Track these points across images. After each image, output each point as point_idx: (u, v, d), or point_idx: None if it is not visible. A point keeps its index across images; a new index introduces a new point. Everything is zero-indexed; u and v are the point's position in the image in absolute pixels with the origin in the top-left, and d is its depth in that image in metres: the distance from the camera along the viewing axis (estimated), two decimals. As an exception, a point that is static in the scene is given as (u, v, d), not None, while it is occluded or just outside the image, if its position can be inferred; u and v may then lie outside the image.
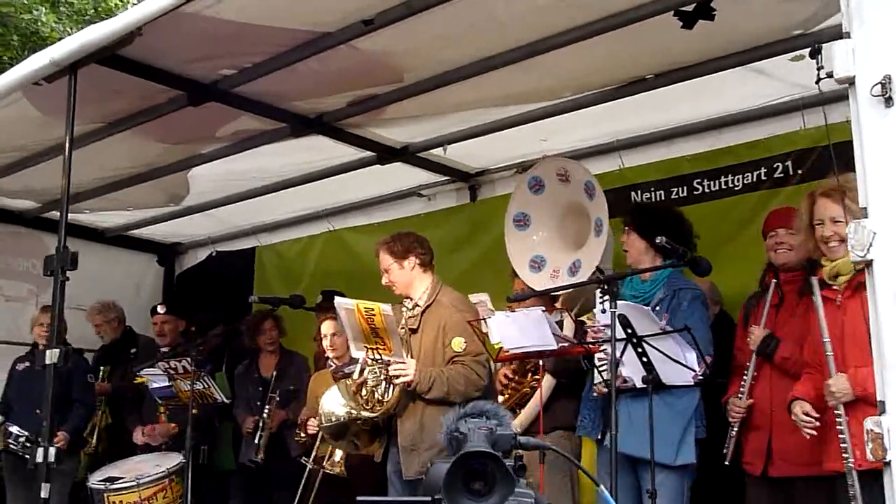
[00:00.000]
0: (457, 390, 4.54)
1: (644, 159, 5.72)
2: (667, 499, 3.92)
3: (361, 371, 4.75)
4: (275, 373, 6.34)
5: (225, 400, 5.45)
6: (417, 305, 4.85)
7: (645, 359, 3.51)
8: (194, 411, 5.24)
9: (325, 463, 5.29)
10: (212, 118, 5.38)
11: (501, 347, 4.20)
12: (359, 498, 1.52)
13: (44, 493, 4.03)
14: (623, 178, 5.74)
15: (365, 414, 4.73)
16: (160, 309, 6.76)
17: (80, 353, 6.60)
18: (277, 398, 6.07)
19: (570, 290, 4.64)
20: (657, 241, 3.79)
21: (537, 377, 4.85)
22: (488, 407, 1.61)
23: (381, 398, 4.70)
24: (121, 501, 5.52)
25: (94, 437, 6.75)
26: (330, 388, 5.36)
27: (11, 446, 5.95)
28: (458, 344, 4.63)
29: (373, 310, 4.53)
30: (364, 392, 4.75)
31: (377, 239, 6.86)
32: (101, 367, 6.93)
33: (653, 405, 3.67)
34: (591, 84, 5.03)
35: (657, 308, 4.12)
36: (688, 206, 5.39)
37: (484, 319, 4.43)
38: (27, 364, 6.45)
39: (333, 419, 4.88)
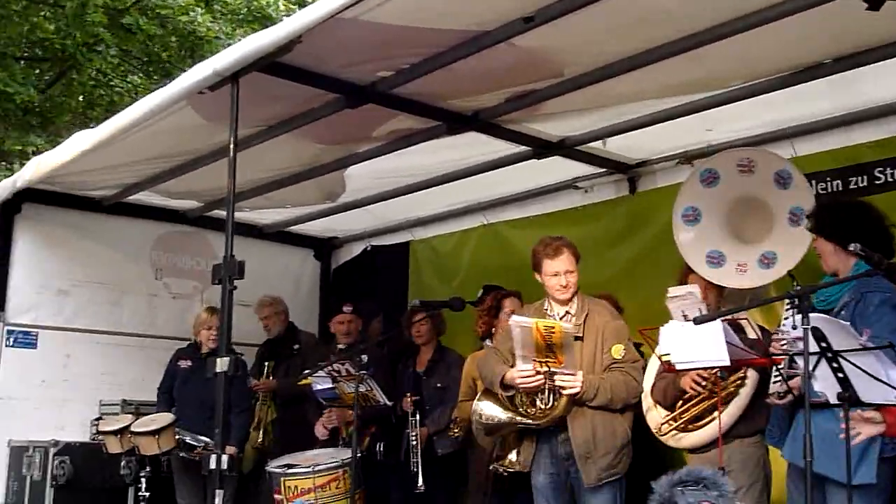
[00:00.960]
0: (620, 397, 4.66)
1: (819, 147, 5.36)
2: None
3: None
4: (426, 368, 6.34)
5: (387, 402, 5.44)
6: (569, 313, 4.81)
7: (841, 374, 3.25)
8: (359, 412, 5.26)
9: (504, 462, 5.20)
10: (368, 119, 5.36)
11: (668, 361, 4.01)
12: None
13: (217, 501, 4.10)
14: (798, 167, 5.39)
15: (527, 421, 4.70)
16: (346, 308, 6.80)
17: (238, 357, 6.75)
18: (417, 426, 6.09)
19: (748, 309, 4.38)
20: (850, 248, 3.51)
21: (741, 375, 4.59)
22: (706, 474, 1.47)
23: (542, 406, 4.67)
24: (296, 486, 5.63)
25: (261, 431, 6.89)
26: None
27: (183, 455, 6.13)
28: (618, 351, 4.71)
29: (553, 328, 4.51)
30: (519, 399, 4.76)
31: (533, 232, 6.84)
32: (266, 363, 7.05)
33: (842, 420, 3.41)
34: (761, 72, 4.74)
35: (842, 312, 3.83)
36: (868, 197, 5.04)
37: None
38: (190, 363, 6.64)
39: (494, 420, 4.85)
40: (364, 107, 5.05)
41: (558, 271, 4.77)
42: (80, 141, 5.85)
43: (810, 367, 3.21)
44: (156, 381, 6.91)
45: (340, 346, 6.55)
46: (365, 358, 5.36)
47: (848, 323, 3.39)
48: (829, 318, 3.30)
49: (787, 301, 3.47)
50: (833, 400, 3.38)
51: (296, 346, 7.11)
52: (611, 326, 4.76)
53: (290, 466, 5.82)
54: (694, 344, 3.73)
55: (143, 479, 6.10)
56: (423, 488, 5.93)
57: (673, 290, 4.66)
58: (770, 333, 4.21)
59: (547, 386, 4.62)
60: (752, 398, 4.48)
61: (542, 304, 4.91)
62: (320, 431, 6.36)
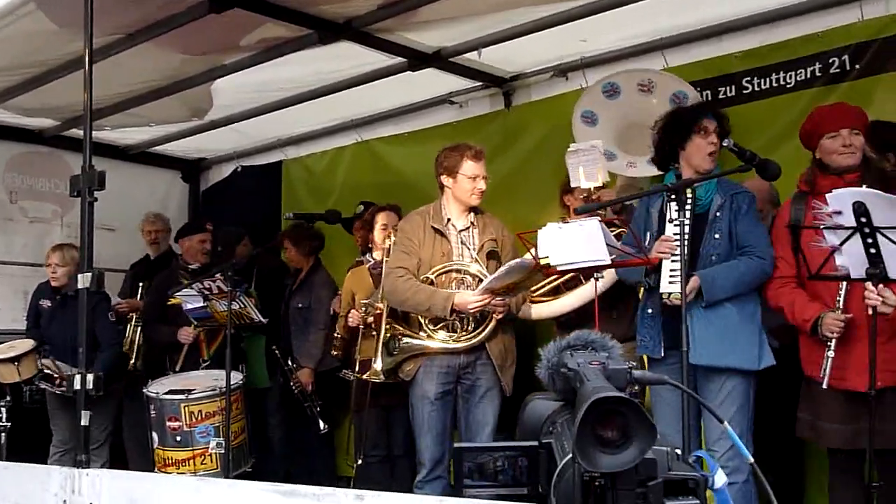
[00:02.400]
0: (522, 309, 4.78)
1: (689, 58, 5.41)
2: (737, 405, 3.82)
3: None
4: (295, 286, 6.28)
5: (262, 320, 5.31)
6: (473, 224, 4.79)
7: (874, 251, 3.25)
8: (231, 331, 5.13)
9: (367, 374, 5.18)
10: (235, 26, 5.13)
11: (548, 263, 4.00)
12: (456, 445, 1.35)
13: (84, 421, 3.91)
14: (667, 79, 5.45)
15: (450, 346, 4.65)
16: (209, 226, 6.58)
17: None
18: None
19: (628, 201, 4.41)
20: (724, 143, 3.57)
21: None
22: (594, 337, 1.42)
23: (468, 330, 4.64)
24: (199, 411, 5.51)
25: (134, 353, 6.64)
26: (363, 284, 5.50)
27: (45, 387, 5.88)
28: None
29: None
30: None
31: (408, 149, 6.76)
32: (141, 283, 6.77)
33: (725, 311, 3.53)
34: (635, -23, 4.74)
35: (718, 214, 3.95)
36: (736, 107, 5.14)
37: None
38: (50, 303, 6.27)
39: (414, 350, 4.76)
40: (230, 12, 4.81)
41: (478, 175, 4.70)
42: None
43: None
44: (15, 309, 6.65)
45: (192, 267, 6.33)
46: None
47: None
48: (880, 193, 3.31)
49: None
50: (856, 275, 3.40)
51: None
52: (509, 238, 4.77)
53: (173, 391, 5.62)
54: (572, 245, 3.73)
55: (2, 409, 5.83)
56: (326, 428, 5.92)
57: (574, 145, 4.69)
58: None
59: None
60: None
61: (440, 212, 4.79)
62: (186, 334, 6.10)
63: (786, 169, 3.97)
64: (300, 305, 6.21)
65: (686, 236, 3.59)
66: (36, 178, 7.40)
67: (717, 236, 3.91)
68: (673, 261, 3.81)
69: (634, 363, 1.35)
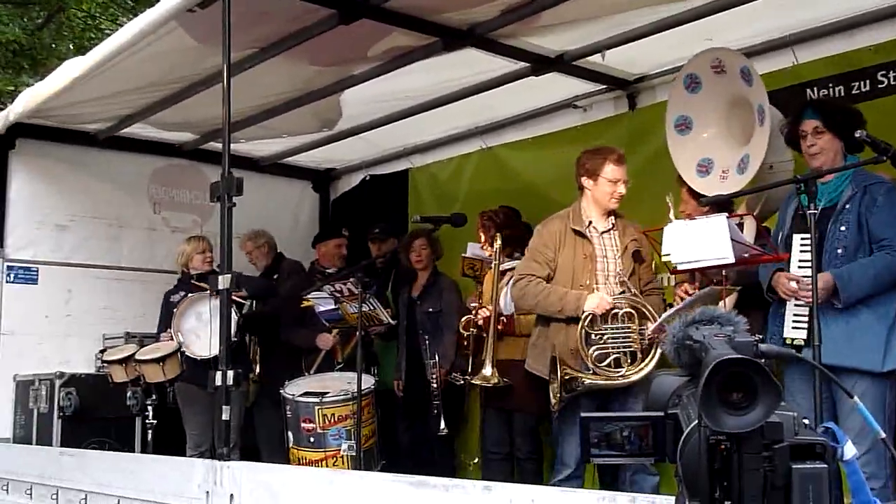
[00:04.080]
0: None
1: (820, 53, 5.27)
2: (869, 409, 3.65)
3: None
4: (420, 293, 6.33)
5: (391, 321, 5.45)
6: (614, 226, 4.81)
7: None
8: (362, 333, 5.26)
9: (475, 378, 5.25)
10: (363, 37, 5.30)
11: (669, 261, 3.96)
12: (583, 415, 1.39)
13: (225, 416, 4.11)
14: (797, 76, 5.31)
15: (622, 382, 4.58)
16: (345, 231, 6.80)
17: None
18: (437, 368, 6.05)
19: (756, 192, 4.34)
20: (857, 134, 3.49)
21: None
22: (720, 312, 1.44)
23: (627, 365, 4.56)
24: (332, 414, 5.69)
25: (257, 364, 6.89)
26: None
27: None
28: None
29: None
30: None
31: (532, 154, 6.80)
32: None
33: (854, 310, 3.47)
34: (762, -26, 4.66)
35: (847, 206, 3.84)
36: (871, 101, 4.99)
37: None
38: (181, 294, 6.51)
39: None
40: (358, 23, 4.97)
41: (619, 179, 4.74)
42: (71, 68, 5.77)
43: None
44: (157, 314, 6.91)
45: (329, 271, 6.53)
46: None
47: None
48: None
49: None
50: None
51: (274, 277, 7.05)
52: (646, 242, 4.77)
53: (308, 394, 5.81)
54: (696, 242, 3.68)
55: (149, 408, 6.13)
56: (445, 431, 5.95)
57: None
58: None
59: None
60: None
61: (580, 214, 4.80)
62: (325, 341, 6.31)
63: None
64: (431, 310, 6.29)
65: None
66: (177, 190, 7.77)
67: (843, 228, 3.80)
68: (797, 304, 3.74)
69: (760, 336, 1.36)
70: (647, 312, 4.52)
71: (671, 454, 1.35)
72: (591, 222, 4.78)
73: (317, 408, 5.68)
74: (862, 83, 5.09)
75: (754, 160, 4.72)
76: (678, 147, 5.01)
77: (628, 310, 4.55)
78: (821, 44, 5.28)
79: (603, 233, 4.76)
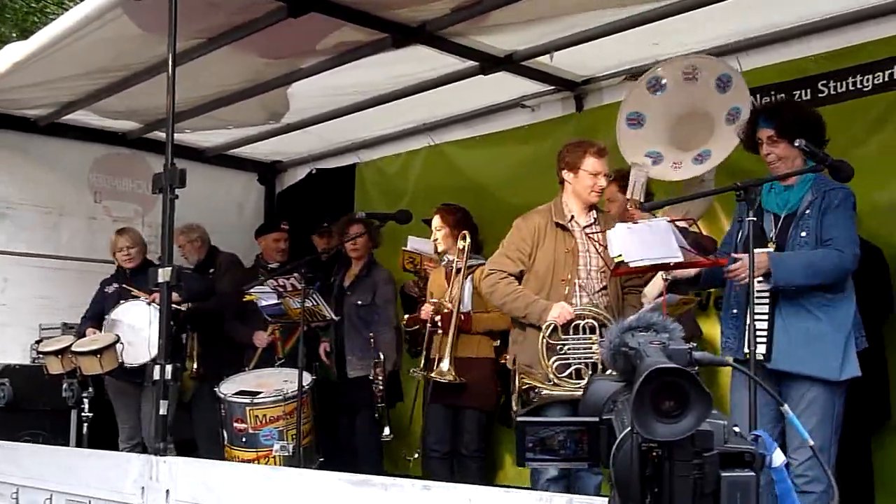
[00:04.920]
0: None
1: (764, 61, 5.36)
2: (818, 417, 3.74)
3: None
4: (350, 283, 6.16)
5: (334, 318, 5.41)
6: (596, 221, 4.74)
7: None
8: (304, 328, 5.23)
9: (433, 373, 5.25)
10: (312, 30, 5.25)
11: (621, 261, 4.00)
12: (518, 419, 1.39)
13: (162, 410, 4.06)
14: (741, 83, 5.41)
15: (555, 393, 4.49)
16: (283, 225, 6.74)
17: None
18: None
19: (695, 199, 4.41)
20: (797, 143, 3.54)
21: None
22: (655, 319, 1.45)
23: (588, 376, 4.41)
24: (264, 415, 5.64)
25: (194, 361, 6.80)
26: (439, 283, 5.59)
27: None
28: None
29: None
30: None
31: (480, 152, 6.82)
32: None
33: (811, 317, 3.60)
34: (711, -21, 4.73)
35: (807, 211, 3.87)
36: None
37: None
38: (115, 286, 6.44)
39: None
40: (307, 17, 4.93)
41: (600, 171, 4.67)
42: (11, 53, 5.65)
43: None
44: (97, 304, 6.80)
45: (271, 266, 6.48)
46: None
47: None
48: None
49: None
50: None
51: (210, 271, 6.94)
52: None
53: (244, 393, 5.78)
54: (645, 242, 3.71)
55: (85, 401, 6.03)
56: (390, 437, 5.89)
57: (640, 159, 4.78)
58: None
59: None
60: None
61: (561, 208, 4.73)
62: (261, 339, 6.29)
63: (863, 172, 3.93)
64: (360, 302, 6.11)
65: (772, 235, 3.57)
66: (119, 179, 7.65)
67: (803, 234, 3.82)
68: (758, 319, 3.73)
69: (694, 344, 1.38)
70: (606, 323, 4.45)
71: (605, 459, 1.37)
72: (573, 216, 4.71)
73: (248, 408, 5.64)
74: (803, 92, 5.19)
75: (717, 154, 4.77)
76: (627, 139, 5.05)
77: (591, 321, 4.48)
78: (764, 52, 5.38)
79: (585, 227, 4.69)
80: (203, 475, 3.87)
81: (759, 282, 3.73)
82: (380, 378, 5.88)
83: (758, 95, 5.34)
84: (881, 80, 4.95)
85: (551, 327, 4.46)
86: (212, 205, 7.60)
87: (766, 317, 3.81)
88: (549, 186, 6.16)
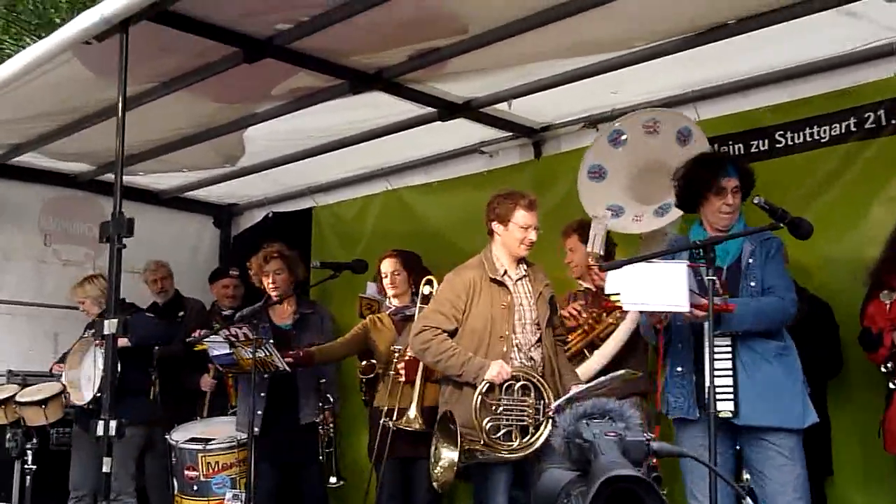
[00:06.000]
0: None
1: (721, 111, 5.38)
2: (802, 464, 3.76)
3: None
4: (294, 322, 5.82)
5: (286, 369, 5.25)
6: (528, 275, 4.68)
7: None
8: (256, 380, 5.09)
9: (402, 420, 5.17)
10: (268, 76, 5.18)
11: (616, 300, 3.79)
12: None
13: (105, 468, 3.91)
14: (698, 132, 5.41)
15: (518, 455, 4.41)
16: (233, 271, 6.60)
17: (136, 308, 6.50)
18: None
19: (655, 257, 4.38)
20: (755, 201, 3.53)
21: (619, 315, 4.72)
22: (611, 406, 1.38)
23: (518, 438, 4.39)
24: (216, 462, 5.55)
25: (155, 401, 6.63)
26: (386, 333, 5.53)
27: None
28: None
29: None
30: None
31: (437, 198, 6.77)
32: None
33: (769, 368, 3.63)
34: (666, 32, 4.72)
35: (751, 261, 3.91)
36: (769, 161, 5.11)
37: None
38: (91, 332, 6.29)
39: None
40: (263, 62, 4.85)
41: (531, 225, 4.57)
42: (-41, 95, 5.50)
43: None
44: (44, 351, 6.65)
45: (225, 313, 6.35)
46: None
47: None
48: None
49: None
50: None
51: (180, 314, 6.87)
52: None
53: (195, 440, 5.66)
54: (651, 286, 3.56)
55: (29, 452, 5.84)
56: (341, 483, 5.73)
57: (600, 212, 4.82)
58: None
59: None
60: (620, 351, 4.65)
61: (493, 263, 4.62)
62: (206, 383, 6.16)
63: (816, 225, 3.92)
64: (315, 343, 5.74)
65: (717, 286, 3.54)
66: (70, 222, 7.48)
67: (752, 283, 3.83)
68: (717, 375, 3.68)
69: (653, 435, 1.30)
70: (542, 389, 4.42)
71: (557, 561, 1.29)
72: (505, 271, 4.62)
73: (200, 455, 5.54)
74: (761, 142, 5.22)
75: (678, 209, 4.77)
76: (587, 191, 5.09)
77: (525, 383, 4.40)
78: (722, 101, 5.41)
79: (517, 280, 4.64)
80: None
81: (715, 334, 3.71)
82: (330, 422, 5.73)
83: (716, 145, 5.35)
84: (838, 132, 4.98)
85: (487, 385, 4.36)
86: (166, 247, 7.46)
87: (729, 372, 3.77)
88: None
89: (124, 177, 4.44)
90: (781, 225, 3.54)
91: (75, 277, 7.20)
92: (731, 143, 5.31)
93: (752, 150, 5.22)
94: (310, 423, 5.65)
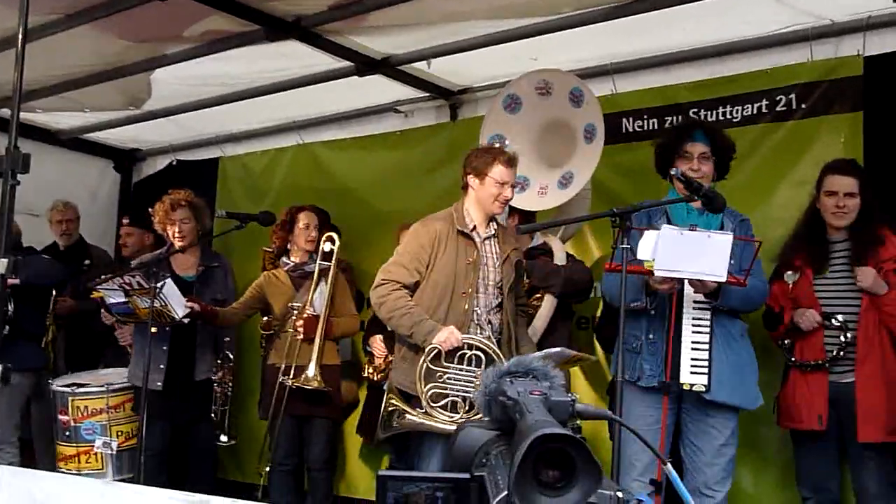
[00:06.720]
0: None
1: (639, 85, 5.41)
2: (735, 447, 3.90)
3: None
4: (199, 274, 5.62)
5: (182, 319, 5.09)
6: (496, 234, 4.47)
7: None
8: (153, 330, 4.92)
9: (301, 378, 5.09)
10: (180, 15, 4.98)
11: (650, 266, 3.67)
12: (380, 473, 1.25)
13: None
14: (615, 104, 5.41)
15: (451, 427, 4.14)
16: (124, 220, 6.39)
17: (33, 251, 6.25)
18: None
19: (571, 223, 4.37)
20: (672, 172, 3.54)
21: (538, 296, 4.68)
22: (536, 365, 1.33)
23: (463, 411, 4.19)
24: (86, 406, 5.41)
25: (53, 353, 6.38)
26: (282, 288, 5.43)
27: None
28: None
29: None
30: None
31: (350, 154, 6.64)
32: None
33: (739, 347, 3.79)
34: (592, 1, 4.70)
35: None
36: (683, 137, 5.15)
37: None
38: None
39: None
40: (176, 0, 4.66)
41: (507, 181, 4.33)
42: None
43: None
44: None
45: (133, 263, 6.15)
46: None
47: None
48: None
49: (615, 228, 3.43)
50: None
51: (86, 262, 6.62)
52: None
53: (78, 386, 5.52)
54: (691, 253, 3.53)
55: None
56: (232, 442, 5.62)
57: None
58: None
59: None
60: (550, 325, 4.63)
61: (463, 217, 4.40)
62: (107, 318, 5.94)
63: (731, 202, 3.96)
64: (218, 297, 5.63)
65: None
66: (-44, 158, 7.09)
67: (732, 261, 3.79)
68: (694, 347, 3.75)
69: (576, 395, 1.26)
70: (496, 359, 4.12)
71: (474, 523, 1.23)
72: (475, 226, 4.39)
73: (70, 398, 5.43)
74: (675, 118, 5.25)
75: (579, 176, 4.79)
76: None
77: (477, 353, 4.18)
78: (639, 76, 5.42)
79: (485, 239, 4.40)
80: (31, 487, 3.55)
81: (698, 303, 3.80)
82: (228, 380, 5.61)
83: (631, 118, 5.41)
84: (750, 112, 5.05)
85: (435, 351, 4.18)
86: (64, 190, 7.13)
87: (706, 346, 3.81)
88: (419, 193, 6.12)
89: (21, 113, 4.21)
90: (697, 197, 3.56)
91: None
92: (645, 117, 5.35)
93: (667, 125, 5.24)
94: (205, 380, 5.51)
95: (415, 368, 4.21)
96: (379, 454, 5.99)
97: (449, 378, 4.18)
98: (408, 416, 4.19)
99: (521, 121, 5.03)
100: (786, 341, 4.14)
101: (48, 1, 4.70)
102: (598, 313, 5.18)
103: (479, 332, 4.28)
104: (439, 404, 4.16)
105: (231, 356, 5.64)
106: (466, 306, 4.28)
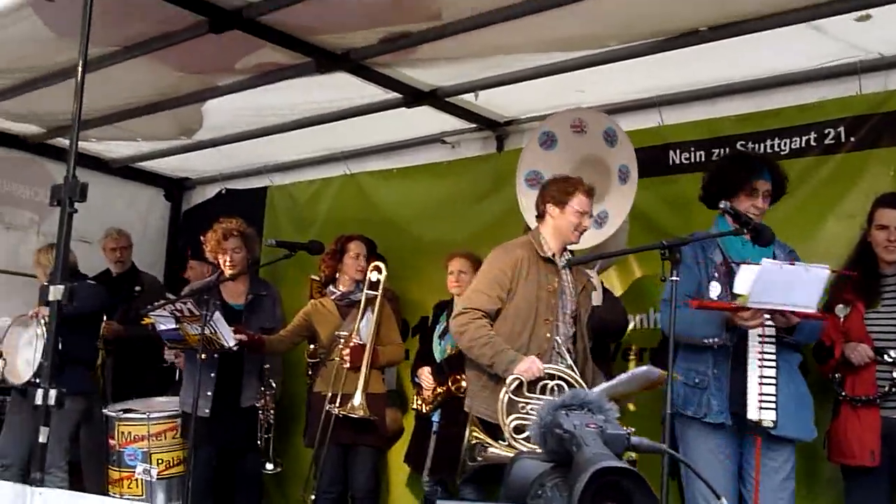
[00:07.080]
0: None
1: (685, 117, 5.41)
2: (793, 480, 3.89)
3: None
4: (248, 302, 5.71)
5: (232, 347, 5.16)
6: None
7: None
8: (202, 357, 4.99)
9: (347, 406, 5.13)
10: (233, 48, 5.08)
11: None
12: (438, 501, 1.27)
13: (42, 438, 3.75)
14: (660, 136, 5.43)
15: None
16: (187, 254, 6.62)
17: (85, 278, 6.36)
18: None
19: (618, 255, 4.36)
20: (721, 205, 3.54)
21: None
22: (591, 398, 1.35)
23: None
24: (129, 432, 5.53)
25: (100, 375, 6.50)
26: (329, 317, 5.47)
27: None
28: None
29: None
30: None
31: (396, 185, 6.70)
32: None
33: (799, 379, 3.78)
34: (638, 34, 4.73)
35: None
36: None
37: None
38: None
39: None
40: (229, 34, 4.77)
41: (587, 211, 4.36)
42: None
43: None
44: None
45: (184, 290, 6.25)
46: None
47: None
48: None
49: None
50: None
51: (137, 288, 6.73)
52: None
53: (125, 411, 5.63)
54: (787, 286, 3.53)
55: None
56: (278, 470, 5.65)
57: None
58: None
59: None
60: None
61: (540, 245, 4.38)
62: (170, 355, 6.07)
63: (778, 236, 3.94)
64: (266, 325, 5.71)
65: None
66: (16, 185, 7.27)
67: None
68: (762, 382, 3.73)
69: (632, 429, 1.28)
70: (577, 387, 4.00)
71: (531, 553, 1.25)
72: (553, 254, 4.38)
73: (116, 423, 5.56)
74: (722, 150, 5.23)
75: (615, 217, 4.81)
76: (529, 199, 4.94)
77: (559, 382, 4.10)
78: (686, 108, 5.42)
79: (562, 268, 4.39)
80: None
81: (764, 336, 3.77)
82: (270, 407, 5.65)
83: (678, 150, 5.40)
84: (798, 145, 5.03)
85: (517, 382, 4.09)
86: (115, 218, 7.29)
87: (773, 380, 3.78)
88: (464, 224, 6.16)
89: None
90: (745, 231, 3.56)
91: (19, 241, 7.10)
92: (692, 149, 5.34)
93: (713, 157, 5.24)
94: (250, 407, 5.57)
95: (496, 397, 4.12)
96: (422, 483, 5.99)
97: (532, 409, 4.05)
98: (491, 448, 4.05)
99: (557, 157, 5.04)
100: (836, 375, 4.11)
101: (108, 33, 4.81)
102: (657, 344, 5.10)
103: (559, 360, 4.24)
104: (522, 436, 4.01)
105: (273, 384, 5.69)
106: (549, 334, 4.26)
